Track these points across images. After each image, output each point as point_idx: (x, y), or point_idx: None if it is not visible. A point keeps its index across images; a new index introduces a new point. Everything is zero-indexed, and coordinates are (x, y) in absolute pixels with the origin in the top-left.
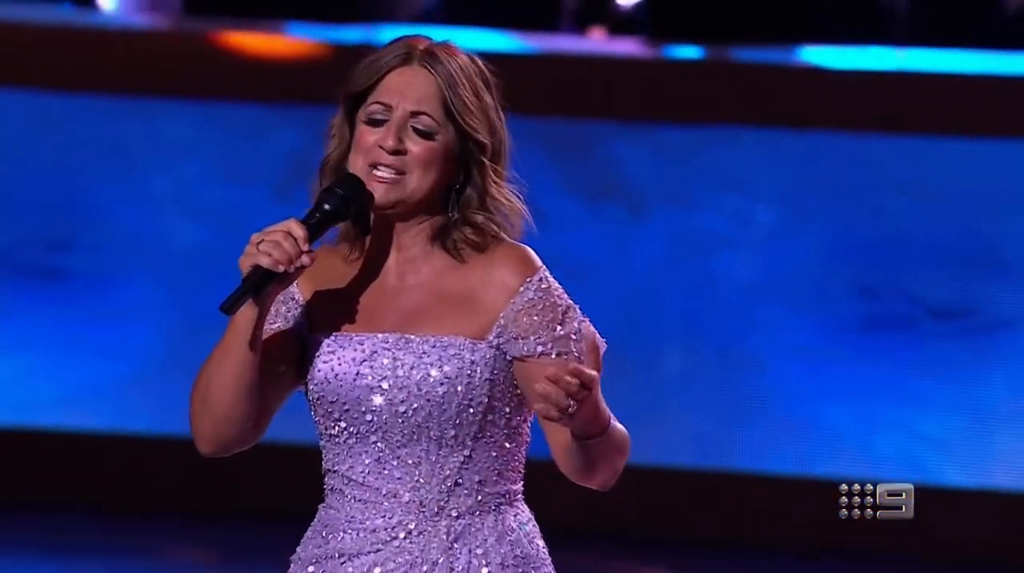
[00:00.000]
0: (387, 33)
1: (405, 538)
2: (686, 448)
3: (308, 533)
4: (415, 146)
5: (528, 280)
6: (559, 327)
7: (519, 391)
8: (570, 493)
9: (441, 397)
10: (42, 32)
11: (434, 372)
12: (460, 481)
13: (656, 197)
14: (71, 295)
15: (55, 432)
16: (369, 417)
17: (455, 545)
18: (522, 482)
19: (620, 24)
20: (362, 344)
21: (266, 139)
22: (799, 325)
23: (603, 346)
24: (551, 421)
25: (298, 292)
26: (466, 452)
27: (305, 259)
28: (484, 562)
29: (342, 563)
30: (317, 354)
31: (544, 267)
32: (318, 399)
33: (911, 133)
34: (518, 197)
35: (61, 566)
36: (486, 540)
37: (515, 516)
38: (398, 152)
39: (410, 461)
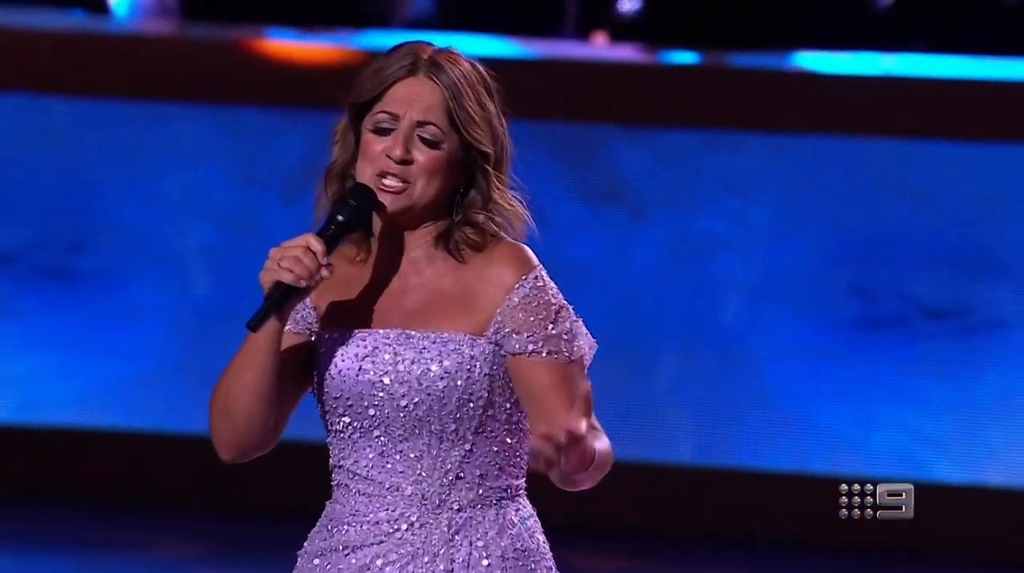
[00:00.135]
0: (392, 39)
1: (407, 530)
2: (685, 445)
3: (315, 528)
4: (421, 155)
5: (524, 277)
6: (551, 326)
7: None
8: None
9: (441, 391)
10: (55, 38)
11: (434, 367)
12: (461, 475)
13: (657, 200)
14: (83, 296)
15: (67, 429)
16: (372, 412)
17: (456, 537)
18: (524, 478)
19: (621, 30)
20: (364, 340)
21: (275, 143)
22: (797, 325)
23: (593, 347)
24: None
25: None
26: (467, 446)
27: (324, 272)
28: (484, 554)
29: (346, 555)
30: (322, 351)
31: (541, 266)
32: (323, 395)
33: (905, 137)
34: (521, 202)
35: (68, 562)
36: (487, 533)
37: (516, 511)
38: (405, 162)
39: (412, 455)
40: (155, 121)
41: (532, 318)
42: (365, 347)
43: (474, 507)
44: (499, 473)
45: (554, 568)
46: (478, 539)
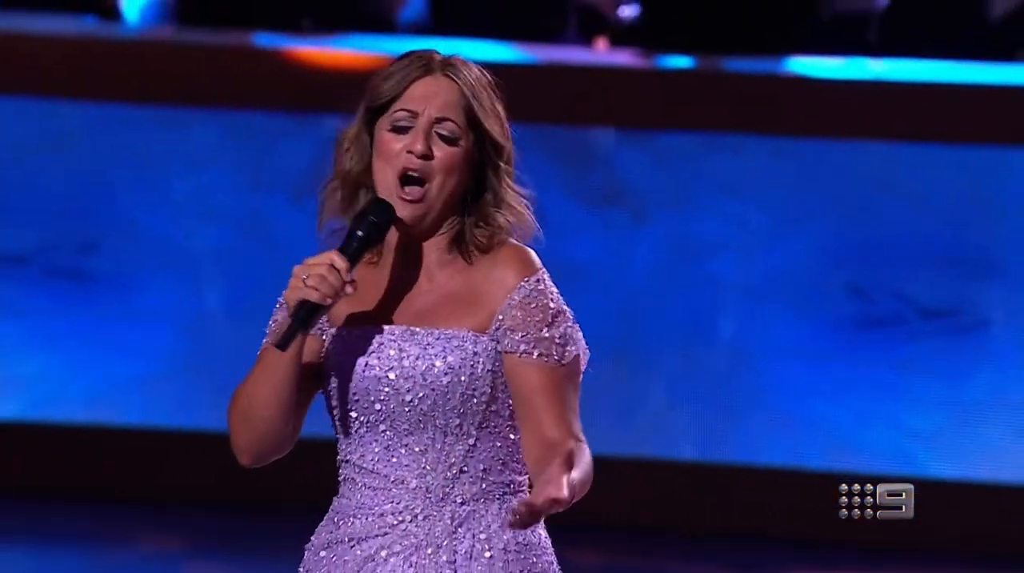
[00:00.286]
0: (394, 42)
1: (411, 522)
2: (685, 441)
3: (322, 522)
4: (440, 152)
5: (526, 279)
6: (546, 329)
7: None
8: None
9: (445, 387)
10: (67, 43)
11: (438, 362)
12: (465, 469)
13: (656, 202)
14: (94, 296)
15: (77, 426)
16: (378, 406)
17: (459, 530)
18: (527, 474)
19: (621, 36)
20: (370, 337)
21: (283, 147)
22: (794, 325)
23: (586, 353)
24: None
25: None
26: (471, 441)
27: (349, 289)
28: (487, 547)
29: (351, 546)
30: (330, 348)
31: (544, 270)
32: (330, 391)
33: (900, 140)
34: (527, 205)
35: (78, 559)
36: (489, 526)
37: None
38: (426, 157)
39: (417, 449)
40: (165, 125)
41: (529, 319)
42: (371, 343)
43: (477, 501)
44: (502, 468)
45: (555, 562)
46: (481, 532)
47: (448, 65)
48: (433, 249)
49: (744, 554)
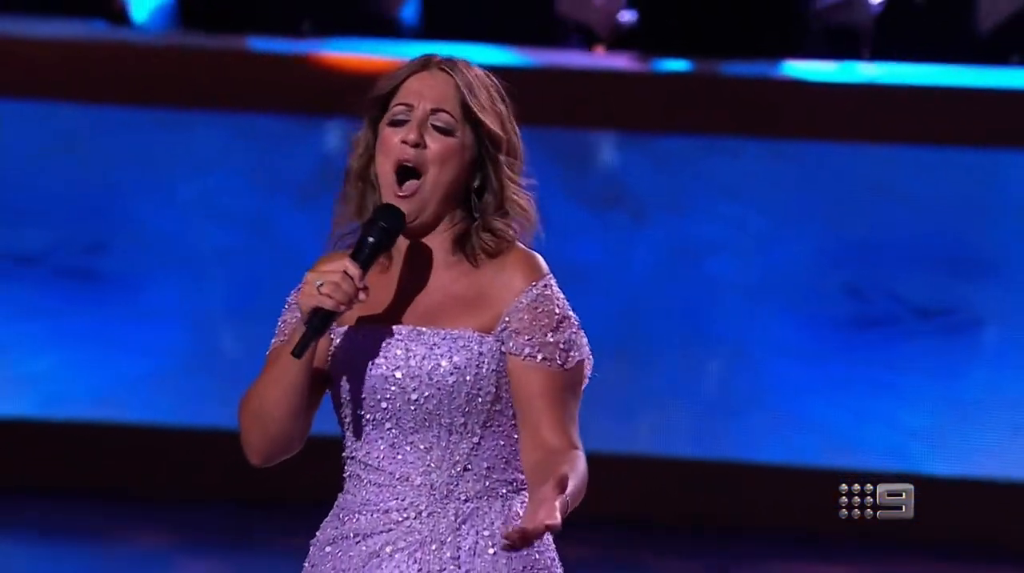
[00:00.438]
0: (395, 46)
1: (416, 519)
2: (684, 439)
3: (327, 518)
4: (434, 142)
5: (534, 284)
6: (551, 334)
7: None
8: None
9: (451, 386)
10: (75, 47)
11: (444, 362)
12: (469, 466)
13: (656, 205)
14: (104, 296)
15: (88, 424)
16: (384, 405)
17: (463, 526)
18: None
19: (620, 40)
20: (377, 337)
21: (289, 149)
22: (792, 325)
23: (589, 360)
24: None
25: None
26: (475, 439)
27: (362, 296)
28: (491, 543)
29: (356, 542)
30: (337, 347)
31: (551, 275)
32: (337, 389)
33: (896, 143)
34: (530, 200)
35: (90, 556)
36: (492, 523)
37: (522, 503)
38: (418, 145)
39: (422, 446)
40: (171, 128)
41: (535, 322)
42: (378, 343)
43: (481, 498)
44: (505, 466)
45: (557, 559)
46: (484, 528)
47: (446, 62)
48: (438, 249)
49: (743, 551)
